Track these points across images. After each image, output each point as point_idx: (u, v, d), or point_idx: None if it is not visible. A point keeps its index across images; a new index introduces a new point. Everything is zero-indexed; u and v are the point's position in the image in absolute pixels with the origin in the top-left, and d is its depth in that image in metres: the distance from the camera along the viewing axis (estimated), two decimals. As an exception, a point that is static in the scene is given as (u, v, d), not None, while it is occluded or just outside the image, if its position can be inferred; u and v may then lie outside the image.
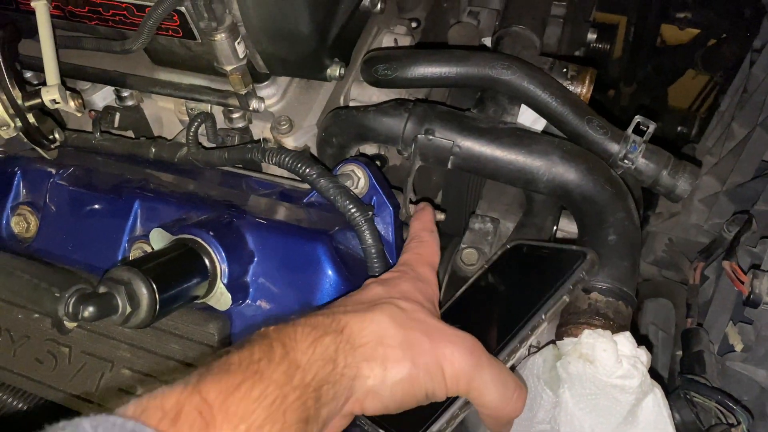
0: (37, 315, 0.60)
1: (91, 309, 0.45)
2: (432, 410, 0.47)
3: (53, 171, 0.65)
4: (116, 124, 0.72)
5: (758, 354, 0.69)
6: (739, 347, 0.71)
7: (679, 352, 0.76)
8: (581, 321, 0.52)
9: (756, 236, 0.71)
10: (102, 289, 0.46)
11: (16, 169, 0.66)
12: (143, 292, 0.47)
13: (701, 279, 0.82)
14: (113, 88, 0.74)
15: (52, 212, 0.64)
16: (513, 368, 0.54)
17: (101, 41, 0.70)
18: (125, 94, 0.74)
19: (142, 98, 0.76)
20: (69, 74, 0.71)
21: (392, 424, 0.48)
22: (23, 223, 0.64)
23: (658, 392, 0.50)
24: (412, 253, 0.58)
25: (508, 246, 0.62)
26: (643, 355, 0.50)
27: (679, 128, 1.40)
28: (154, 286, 0.48)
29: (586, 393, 0.50)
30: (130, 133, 0.76)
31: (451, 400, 0.47)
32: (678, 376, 0.71)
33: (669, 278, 0.94)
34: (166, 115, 0.77)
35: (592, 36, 0.99)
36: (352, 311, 0.46)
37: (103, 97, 0.76)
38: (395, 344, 0.45)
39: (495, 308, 0.58)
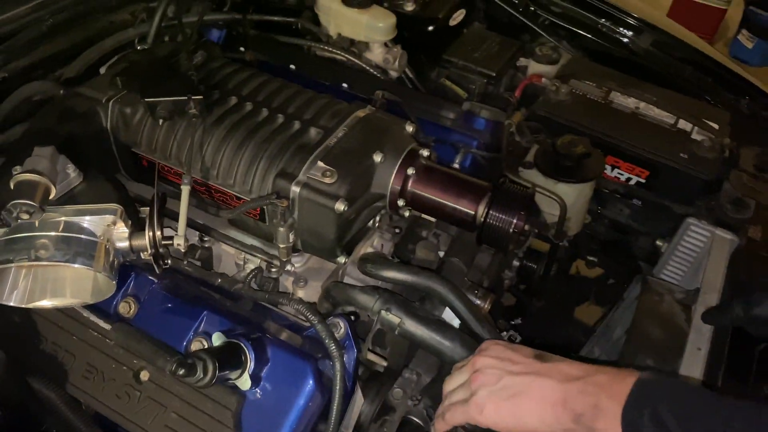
0: (125, 367, 0.96)
1: (182, 371, 0.82)
2: None
3: (155, 280, 1.04)
4: (197, 257, 1.11)
5: None
6: None
7: None
8: (447, 442, 0.89)
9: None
10: (189, 361, 0.84)
11: (131, 273, 1.05)
12: (210, 368, 0.84)
13: None
14: (199, 233, 1.15)
15: (148, 306, 1.02)
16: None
17: (200, 202, 1.13)
18: (206, 238, 1.15)
19: (214, 243, 1.16)
20: (175, 218, 1.12)
21: None
22: (127, 307, 1.02)
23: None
24: None
25: None
26: (478, 470, 0.86)
27: (582, 339, 1.83)
28: (217, 365, 0.85)
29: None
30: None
31: None
32: None
33: None
34: (225, 257, 1.17)
35: (516, 263, 1.44)
36: None
37: (190, 236, 1.17)
38: None
39: None
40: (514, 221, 1.04)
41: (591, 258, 1.68)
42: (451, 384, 0.91)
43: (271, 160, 1.03)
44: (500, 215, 1.05)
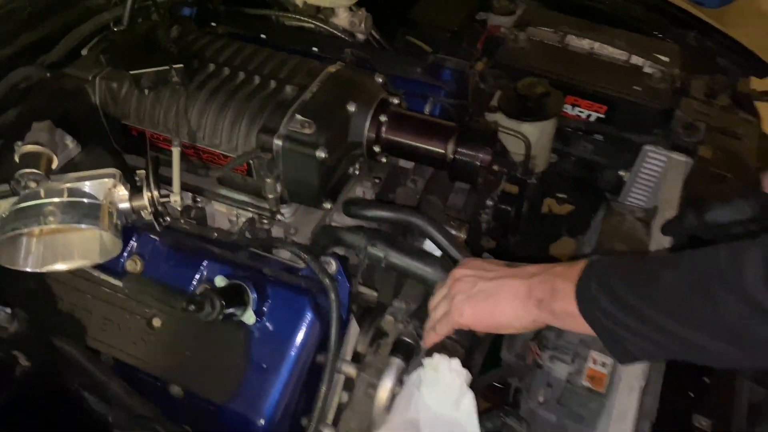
0: (137, 316, 1.05)
1: (193, 307, 0.91)
2: None
3: (156, 238, 1.13)
4: (192, 216, 1.20)
5: (551, 405, 1.16)
6: (541, 400, 1.18)
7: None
8: (436, 350, 1.00)
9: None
10: (199, 299, 0.93)
11: (133, 234, 1.13)
12: (217, 303, 0.94)
13: (533, 362, 1.30)
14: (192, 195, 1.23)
15: (153, 261, 1.11)
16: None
17: (190, 165, 1.21)
18: (199, 199, 1.23)
19: (207, 203, 1.25)
20: (168, 183, 1.20)
21: None
22: (134, 265, 1.11)
23: (471, 394, 0.96)
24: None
25: None
26: (465, 372, 0.97)
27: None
28: (223, 303, 0.94)
29: (433, 388, 0.96)
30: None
31: None
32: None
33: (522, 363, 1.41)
34: (218, 215, 1.25)
35: (490, 202, 1.54)
36: None
37: (184, 197, 1.25)
38: None
39: None
40: (481, 155, 1.14)
41: (561, 195, 1.79)
42: (435, 300, 1.01)
43: (252, 118, 1.12)
44: (467, 151, 1.14)
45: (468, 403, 0.96)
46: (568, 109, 1.63)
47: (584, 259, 0.82)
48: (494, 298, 0.89)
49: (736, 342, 0.65)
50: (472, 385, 0.99)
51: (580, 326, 0.79)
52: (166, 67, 1.13)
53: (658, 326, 0.70)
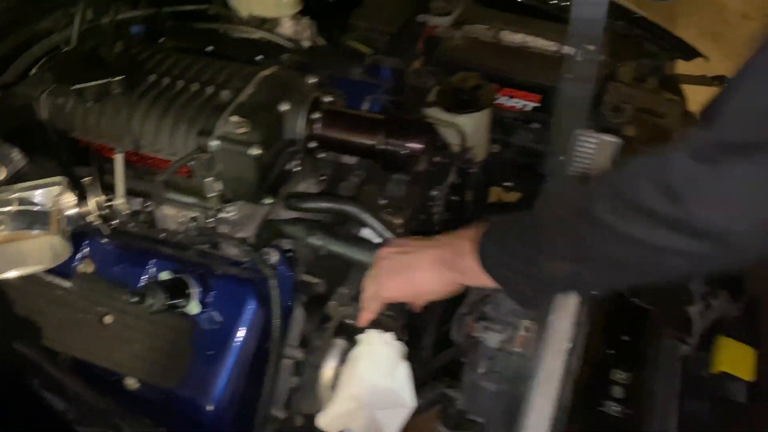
0: (89, 315, 1.11)
1: (136, 298, 0.97)
2: None
3: (107, 240, 1.19)
4: (141, 219, 1.26)
5: (491, 375, 1.23)
6: (481, 371, 1.25)
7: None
8: (371, 327, 1.06)
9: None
10: (141, 291, 0.99)
11: (84, 240, 1.19)
12: (160, 294, 1.00)
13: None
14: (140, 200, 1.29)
15: (103, 264, 1.17)
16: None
17: (137, 171, 1.27)
18: (147, 204, 1.29)
19: (155, 207, 1.31)
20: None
21: None
22: (86, 268, 1.17)
23: (405, 363, 1.03)
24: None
25: None
26: (398, 344, 1.04)
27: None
28: (168, 295, 1.01)
29: (368, 362, 1.02)
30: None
31: None
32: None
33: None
34: (167, 218, 1.32)
35: (436, 193, 1.61)
36: None
37: (132, 204, 1.31)
38: None
39: None
40: (409, 144, 1.22)
41: (507, 183, 1.87)
42: (366, 281, 1.08)
43: (190, 123, 1.18)
44: (397, 141, 1.22)
45: (402, 373, 1.03)
46: (505, 100, 1.71)
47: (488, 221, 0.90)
48: (413, 269, 0.97)
49: (598, 265, 0.74)
50: (410, 357, 1.06)
51: (484, 280, 0.87)
52: (108, 80, 1.20)
53: (539, 264, 0.78)
